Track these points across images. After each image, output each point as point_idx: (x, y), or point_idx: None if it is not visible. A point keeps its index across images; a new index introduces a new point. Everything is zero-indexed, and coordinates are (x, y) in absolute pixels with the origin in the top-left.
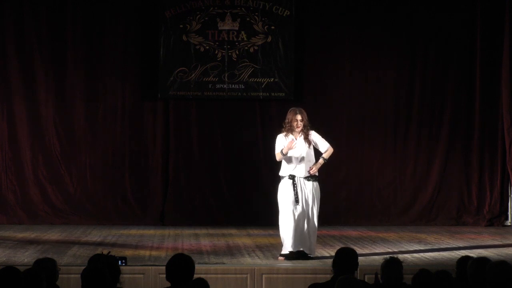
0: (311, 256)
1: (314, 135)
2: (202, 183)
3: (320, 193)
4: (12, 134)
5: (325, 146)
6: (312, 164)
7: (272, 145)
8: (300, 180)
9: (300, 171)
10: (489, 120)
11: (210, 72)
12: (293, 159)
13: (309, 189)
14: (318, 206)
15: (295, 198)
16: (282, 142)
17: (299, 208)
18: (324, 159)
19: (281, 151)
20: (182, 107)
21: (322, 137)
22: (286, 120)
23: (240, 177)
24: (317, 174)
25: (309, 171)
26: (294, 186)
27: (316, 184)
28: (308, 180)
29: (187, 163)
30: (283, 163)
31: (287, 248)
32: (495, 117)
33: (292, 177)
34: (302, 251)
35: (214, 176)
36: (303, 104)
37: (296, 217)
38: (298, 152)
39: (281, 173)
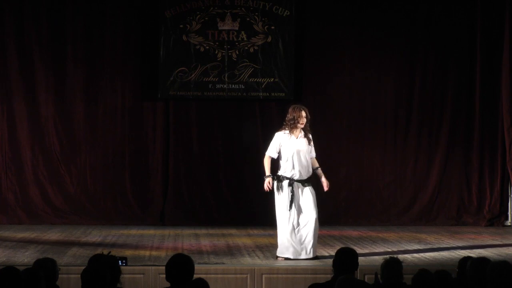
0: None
1: (311, 138)
2: (202, 183)
3: (320, 193)
4: (12, 134)
5: (314, 154)
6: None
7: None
8: (297, 185)
9: (299, 172)
10: (489, 120)
11: (210, 72)
12: (293, 158)
13: (307, 193)
14: (316, 208)
15: (290, 204)
16: (278, 140)
17: (295, 213)
18: (319, 168)
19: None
20: (182, 107)
21: (318, 140)
22: (291, 117)
23: (240, 177)
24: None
25: (324, 188)
26: (291, 194)
27: (311, 188)
28: (304, 185)
29: (187, 163)
30: (282, 162)
31: (284, 252)
32: (495, 117)
33: (291, 183)
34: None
35: (214, 176)
36: (303, 104)
37: (293, 222)
38: (298, 149)
39: (280, 173)
